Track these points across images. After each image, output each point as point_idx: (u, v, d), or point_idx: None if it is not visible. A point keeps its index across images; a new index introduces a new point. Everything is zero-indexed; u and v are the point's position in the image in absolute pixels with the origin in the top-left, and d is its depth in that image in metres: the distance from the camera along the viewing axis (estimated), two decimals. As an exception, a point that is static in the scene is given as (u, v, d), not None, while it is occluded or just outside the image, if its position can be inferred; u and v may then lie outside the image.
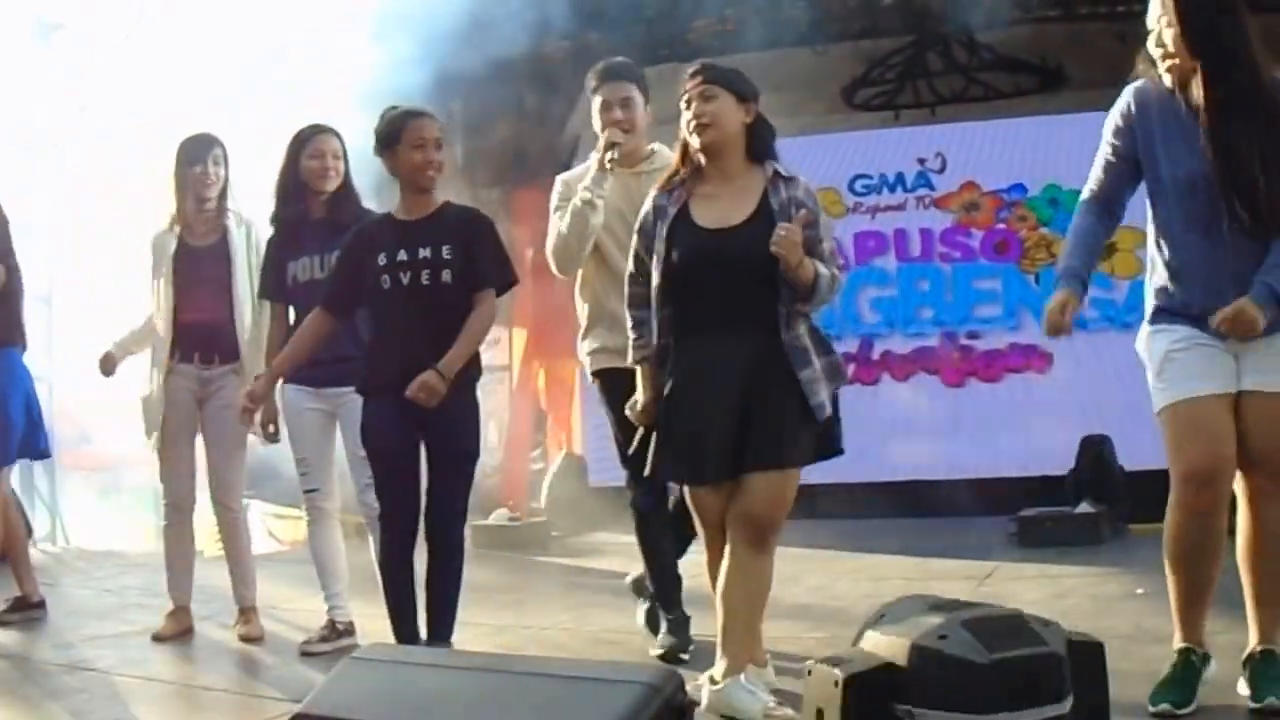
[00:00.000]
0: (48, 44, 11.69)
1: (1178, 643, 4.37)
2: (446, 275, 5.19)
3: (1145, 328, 4.49)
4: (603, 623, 5.26)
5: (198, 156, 6.49)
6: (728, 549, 4.59)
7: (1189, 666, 4.32)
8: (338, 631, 6.02)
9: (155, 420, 6.51)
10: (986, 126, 11.16)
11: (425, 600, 5.27)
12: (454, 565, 5.30)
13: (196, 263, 6.47)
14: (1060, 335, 4.49)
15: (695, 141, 4.68)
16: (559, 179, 5.72)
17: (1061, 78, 10.95)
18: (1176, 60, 4.25)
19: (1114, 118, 4.47)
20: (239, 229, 6.54)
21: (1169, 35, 4.26)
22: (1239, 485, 4.37)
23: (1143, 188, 4.45)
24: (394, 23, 10.69)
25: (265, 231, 6.38)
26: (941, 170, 11.21)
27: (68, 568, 9.53)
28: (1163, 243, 4.41)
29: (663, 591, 5.59)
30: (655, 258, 4.70)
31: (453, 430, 5.25)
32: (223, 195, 6.56)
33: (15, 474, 10.75)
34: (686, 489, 4.78)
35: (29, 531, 9.82)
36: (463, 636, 5.69)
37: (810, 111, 10.87)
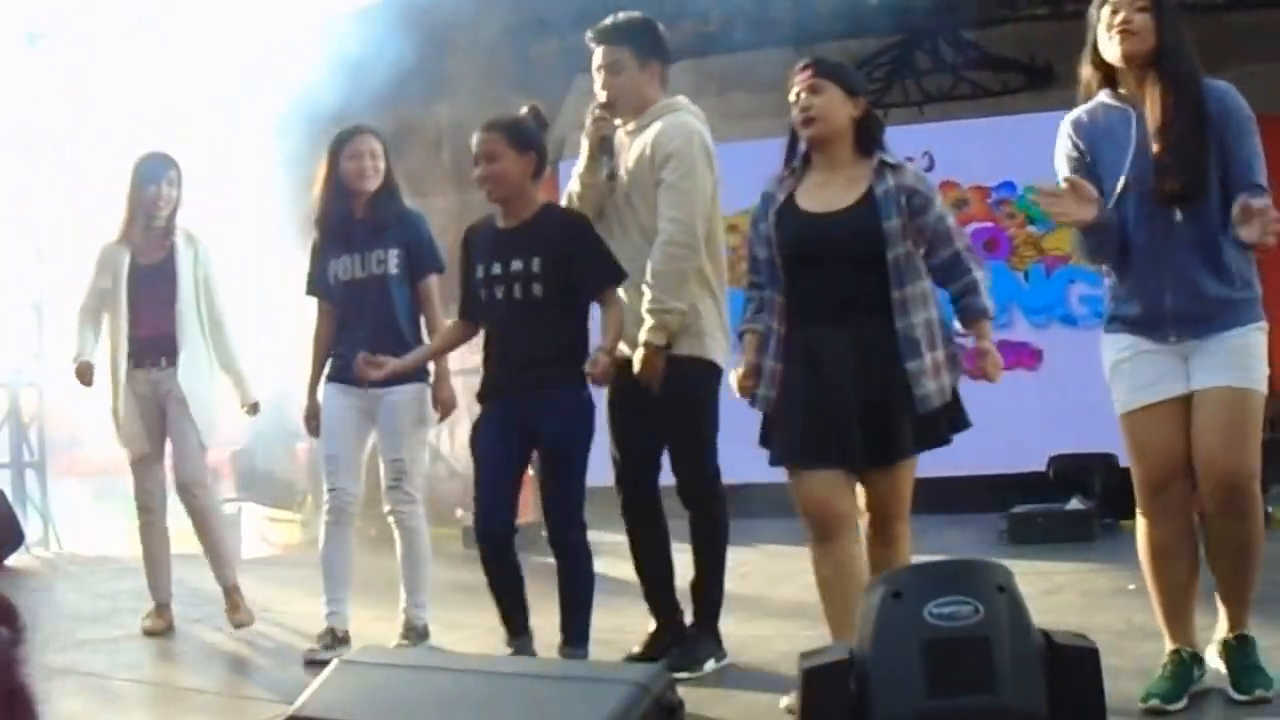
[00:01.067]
0: (39, 47, 11.70)
1: (1169, 646, 4.41)
2: (538, 289, 5.18)
3: (1103, 338, 4.59)
4: (594, 622, 5.25)
5: (153, 177, 6.68)
6: (867, 544, 4.67)
7: (1180, 665, 4.37)
8: (337, 639, 5.98)
9: (129, 430, 6.70)
10: (974, 125, 11.18)
11: (560, 606, 5.28)
12: (578, 567, 5.31)
13: (146, 281, 6.66)
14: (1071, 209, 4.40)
15: (804, 134, 4.69)
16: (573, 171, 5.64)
17: (1049, 75, 10.96)
18: (1130, 25, 4.31)
19: (1062, 142, 4.59)
20: (187, 248, 6.74)
21: (1140, 22, 4.30)
22: (1204, 497, 4.39)
23: None
24: (380, 25, 10.71)
25: (221, 248, 6.73)
26: (930, 169, 11.18)
27: (60, 572, 9.52)
28: (1115, 263, 4.49)
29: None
30: (766, 243, 4.74)
31: (567, 430, 5.23)
32: (172, 215, 6.75)
33: (6, 480, 10.81)
34: (794, 478, 4.67)
35: (21, 538, 9.82)
36: (454, 638, 5.71)
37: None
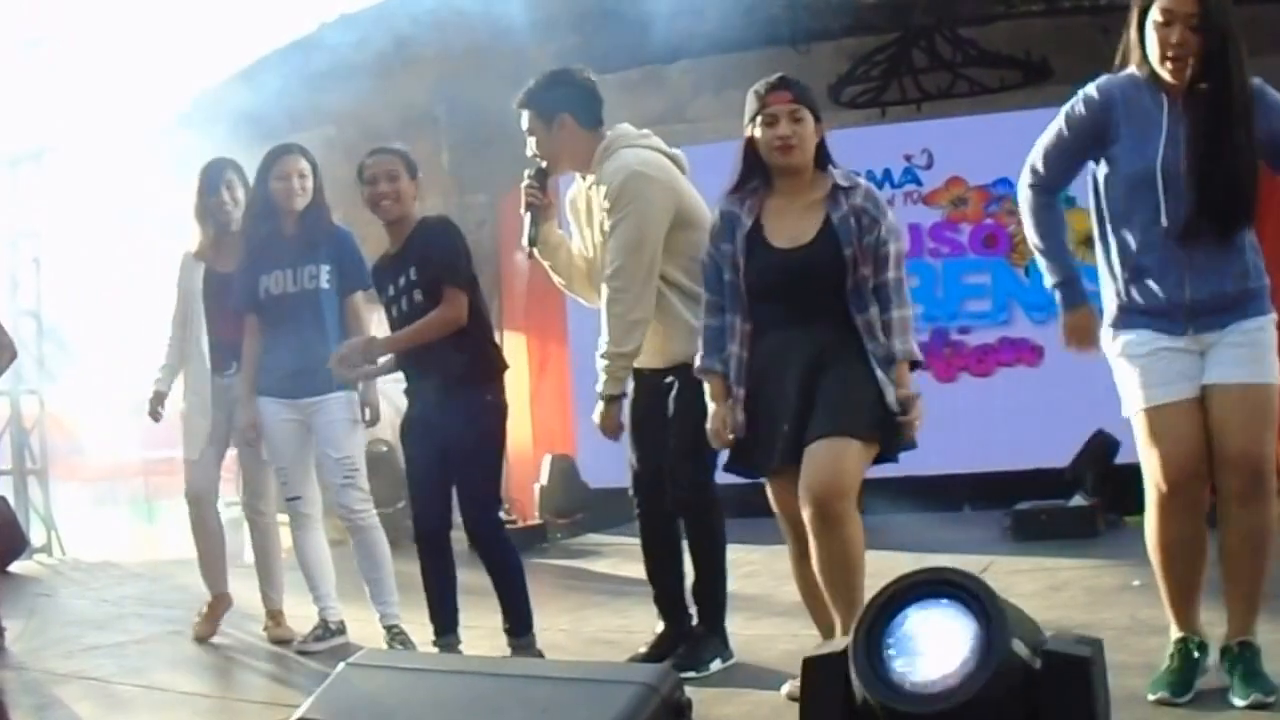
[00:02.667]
0: (32, 57, 11.72)
1: (1175, 634, 4.41)
2: (418, 296, 5.49)
3: (1106, 330, 4.50)
4: (601, 623, 5.27)
5: (214, 185, 6.67)
6: (811, 537, 4.56)
7: (1186, 656, 4.36)
8: (330, 630, 6.26)
9: (196, 433, 6.70)
10: (972, 121, 11.14)
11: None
12: (502, 560, 5.53)
13: (223, 289, 6.62)
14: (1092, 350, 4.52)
15: (778, 160, 4.68)
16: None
17: (1046, 71, 10.95)
18: (1184, 50, 4.18)
19: (1077, 107, 4.44)
20: None
21: (1193, 44, 4.17)
22: (1220, 487, 4.37)
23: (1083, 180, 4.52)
24: (378, 31, 10.72)
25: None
26: (928, 166, 11.21)
27: (64, 578, 9.52)
28: (1116, 240, 4.42)
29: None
30: (732, 268, 4.72)
31: (460, 431, 5.43)
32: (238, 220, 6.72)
33: (8, 486, 10.82)
34: (773, 484, 4.72)
35: (25, 544, 9.82)
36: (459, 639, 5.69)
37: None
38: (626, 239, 5.23)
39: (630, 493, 5.56)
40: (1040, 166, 4.53)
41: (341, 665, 3.70)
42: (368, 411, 6.28)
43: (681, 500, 5.33)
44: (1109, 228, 4.45)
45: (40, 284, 11.67)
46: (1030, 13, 10.98)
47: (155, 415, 6.79)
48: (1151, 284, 4.32)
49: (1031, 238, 4.64)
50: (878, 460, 4.65)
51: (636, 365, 5.34)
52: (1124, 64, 4.42)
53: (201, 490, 6.76)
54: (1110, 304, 4.46)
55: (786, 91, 4.68)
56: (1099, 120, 4.38)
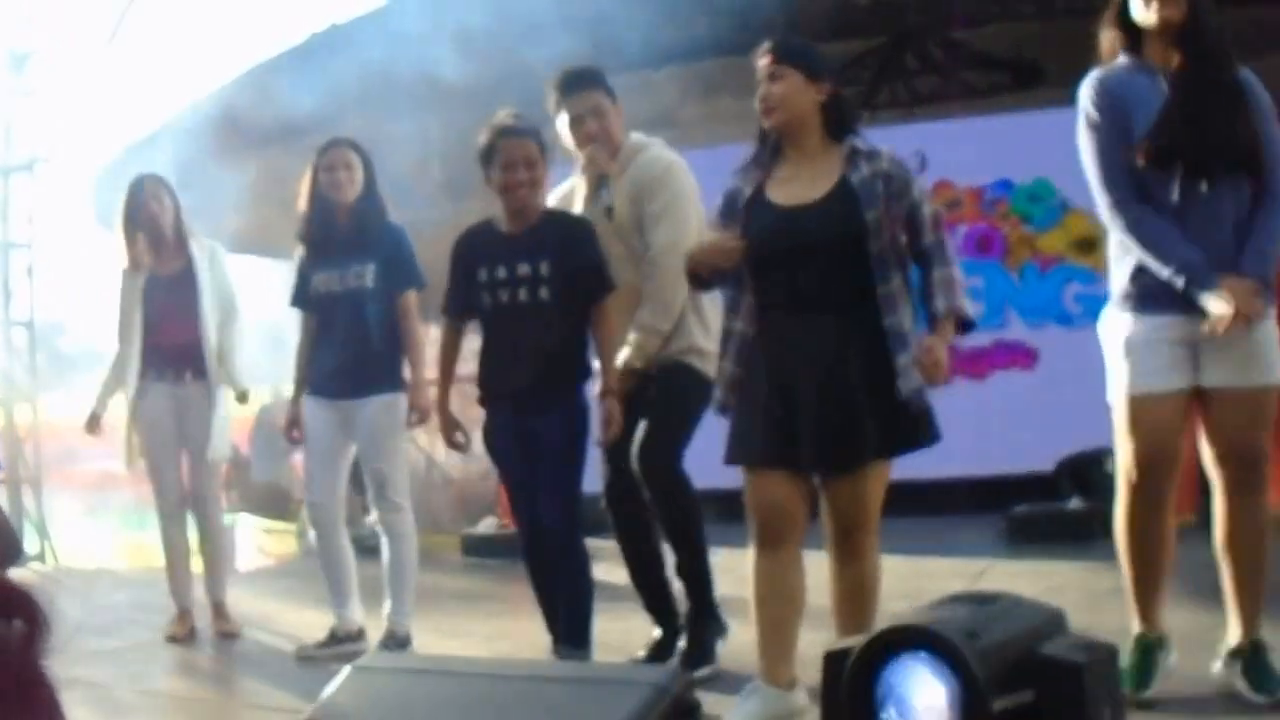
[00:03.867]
0: (23, 70, 11.74)
1: (1135, 629, 4.45)
2: (544, 292, 5.22)
3: (1110, 310, 4.48)
4: (599, 627, 5.25)
5: (138, 194, 6.83)
6: (831, 560, 4.53)
7: (1145, 651, 4.42)
8: (337, 638, 6.18)
9: (136, 443, 6.82)
10: (965, 124, 11.14)
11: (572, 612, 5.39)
12: (580, 572, 5.38)
13: (166, 291, 6.77)
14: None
15: (765, 123, 4.53)
16: (549, 199, 5.57)
17: (1038, 74, 10.97)
18: (1174, 20, 4.20)
19: (1092, 111, 4.38)
20: (203, 257, 6.85)
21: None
22: (1215, 478, 4.42)
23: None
24: (362, 28, 10.73)
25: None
26: (921, 169, 11.20)
27: (60, 586, 9.50)
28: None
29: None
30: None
31: (566, 435, 5.29)
32: (177, 224, 6.86)
33: (2, 494, 10.83)
34: (747, 478, 4.53)
35: (20, 552, 9.82)
36: (455, 646, 5.70)
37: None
38: (680, 216, 5.30)
39: (603, 504, 5.54)
40: (1110, 185, 4.39)
41: (348, 668, 3.69)
42: (414, 415, 6.15)
43: (652, 479, 5.30)
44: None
45: (33, 294, 11.70)
46: (1022, 15, 11.00)
47: (93, 430, 6.92)
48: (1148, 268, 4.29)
49: (1156, 260, 4.30)
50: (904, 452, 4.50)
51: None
52: (1110, 58, 4.43)
53: (170, 504, 6.86)
54: (1117, 286, 4.45)
55: (768, 53, 4.52)
56: (1117, 108, 4.32)
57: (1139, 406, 4.35)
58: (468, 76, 10.32)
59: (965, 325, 4.50)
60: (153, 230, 6.77)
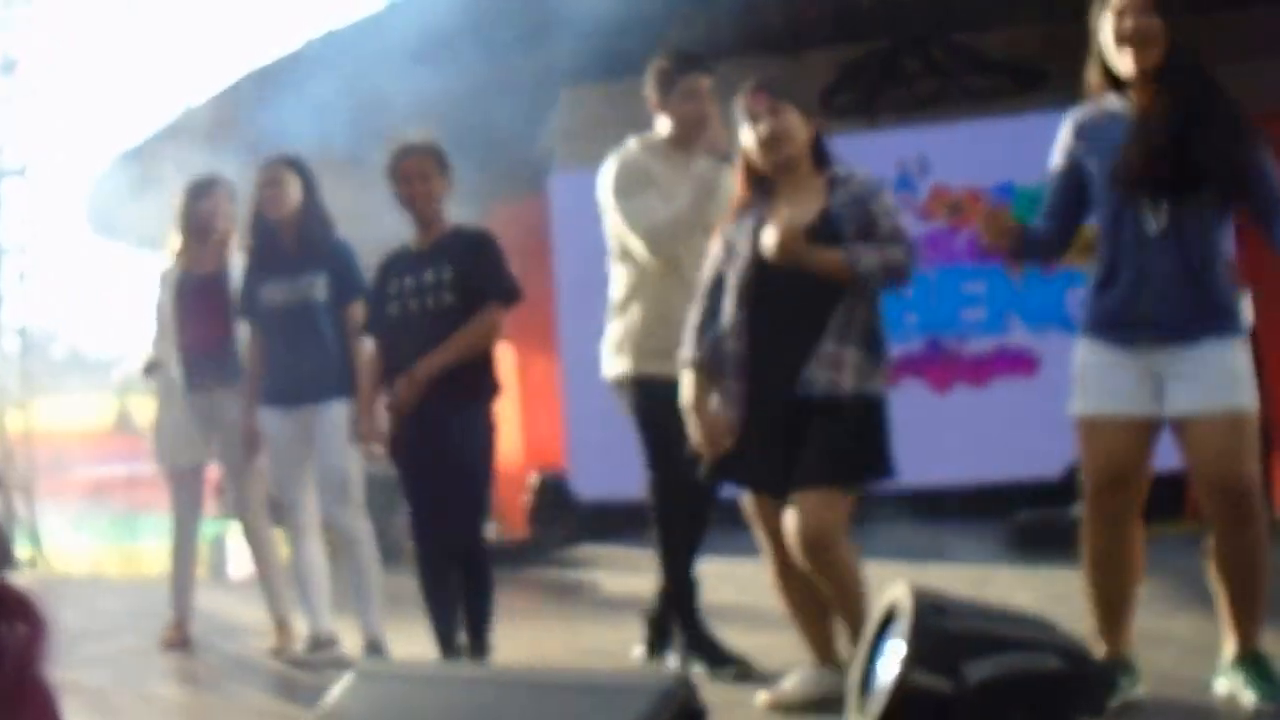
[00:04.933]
0: (12, 75, 11.76)
1: (1102, 653, 4.42)
2: (448, 298, 5.36)
3: (1079, 336, 4.54)
4: (595, 636, 5.23)
5: (203, 192, 6.78)
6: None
7: None
8: (322, 642, 6.19)
9: (164, 444, 6.82)
10: (966, 128, 11.12)
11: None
12: (478, 578, 5.42)
13: (197, 292, 6.72)
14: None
15: (768, 158, 4.67)
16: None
17: (1039, 78, 10.93)
18: (1141, 34, 4.21)
19: (1058, 146, 4.52)
20: (239, 262, 6.71)
21: (1150, 27, 4.20)
22: (1208, 512, 4.35)
23: None
24: (358, 34, 10.71)
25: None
26: (923, 173, 11.17)
27: (53, 592, 9.54)
28: (1097, 255, 4.46)
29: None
30: (734, 262, 4.70)
31: (454, 445, 5.35)
32: (227, 228, 6.78)
33: (-4, 501, 10.83)
34: (746, 498, 4.75)
35: (11, 559, 9.78)
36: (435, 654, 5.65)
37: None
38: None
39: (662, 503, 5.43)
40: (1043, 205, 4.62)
41: (349, 673, 3.66)
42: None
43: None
44: (1097, 239, 4.47)
45: (26, 299, 11.71)
46: (1024, 19, 10.98)
47: (126, 429, 6.85)
48: (1112, 293, 4.35)
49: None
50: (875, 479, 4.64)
51: (657, 372, 5.26)
52: (1094, 95, 4.49)
53: (187, 513, 6.84)
54: (1083, 309, 4.52)
55: (761, 91, 4.69)
56: (1071, 146, 4.46)
57: (1090, 428, 4.41)
58: (452, 86, 10.33)
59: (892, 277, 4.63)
60: (203, 231, 6.75)
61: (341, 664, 5.78)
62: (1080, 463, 4.50)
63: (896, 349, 11.62)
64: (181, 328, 6.69)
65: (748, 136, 4.71)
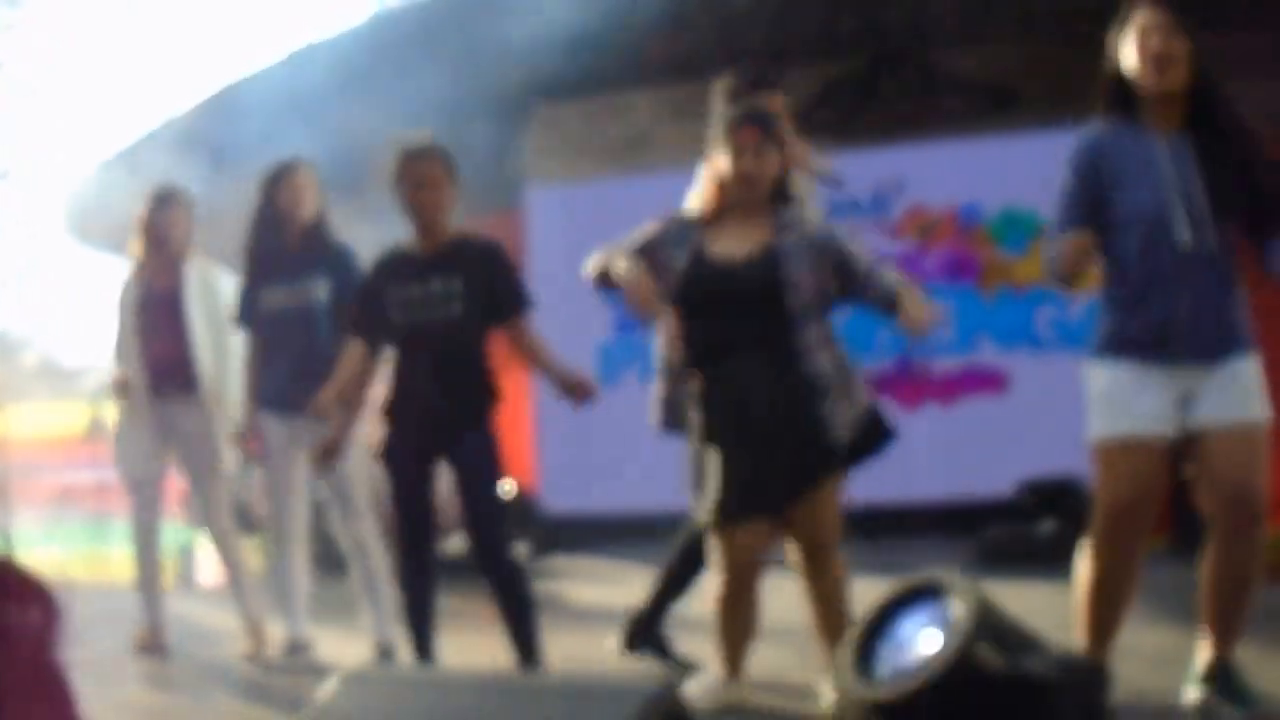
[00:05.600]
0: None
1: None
2: (458, 309, 5.26)
3: (1093, 356, 4.50)
4: (569, 646, 5.26)
5: (163, 203, 6.77)
6: (802, 578, 4.75)
7: None
8: (295, 648, 6.31)
9: (126, 453, 6.80)
10: (942, 148, 11.17)
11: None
12: (511, 590, 5.31)
13: (156, 306, 6.73)
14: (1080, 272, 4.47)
15: (738, 194, 4.75)
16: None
17: (1015, 98, 11.00)
18: (1167, 53, 4.26)
19: (1069, 174, 4.49)
20: (197, 276, 6.77)
21: (1178, 49, 4.27)
22: (1212, 520, 4.37)
23: None
24: (339, 48, 10.74)
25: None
26: (898, 192, 11.23)
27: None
28: (1117, 276, 4.44)
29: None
30: (667, 278, 4.75)
31: (474, 463, 5.32)
32: (185, 240, 6.80)
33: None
34: (721, 529, 4.75)
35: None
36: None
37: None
38: None
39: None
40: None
41: (341, 675, 3.68)
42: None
43: None
44: (1112, 267, 4.46)
45: (2, 306, 11.70)
46: (1001, 40, 11.04)
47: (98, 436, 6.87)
48: (1147, 313, 4.34)
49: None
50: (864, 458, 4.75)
51: None
52: (1105, 113, 4.51)
53: (149, 521, 6.83)
54: (1104, 333, 4.48)
55: (755, 127, 4.74)
56: (1095, 172, 4.43)
57: (1117, 449, 4.37)
58: (429, 99, 10.36)
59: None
60: (160, 241, 6.75)
61: (316, 669, 5.84)
62: (1101, 486, 4.43)
63: (867, 367, 11.73)
64: (143, 341, 6.71)
65: (726, 164, 4.74)
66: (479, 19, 10.52)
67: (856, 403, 4.70)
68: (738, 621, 4.85)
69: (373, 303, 5.37)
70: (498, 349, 5.39)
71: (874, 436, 4.76)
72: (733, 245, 4.75)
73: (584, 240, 5.38)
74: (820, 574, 4.75)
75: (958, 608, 3.52)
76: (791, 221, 4.78)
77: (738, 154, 4.72)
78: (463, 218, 5.45)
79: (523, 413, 12.12)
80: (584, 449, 10.38)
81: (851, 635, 3.78)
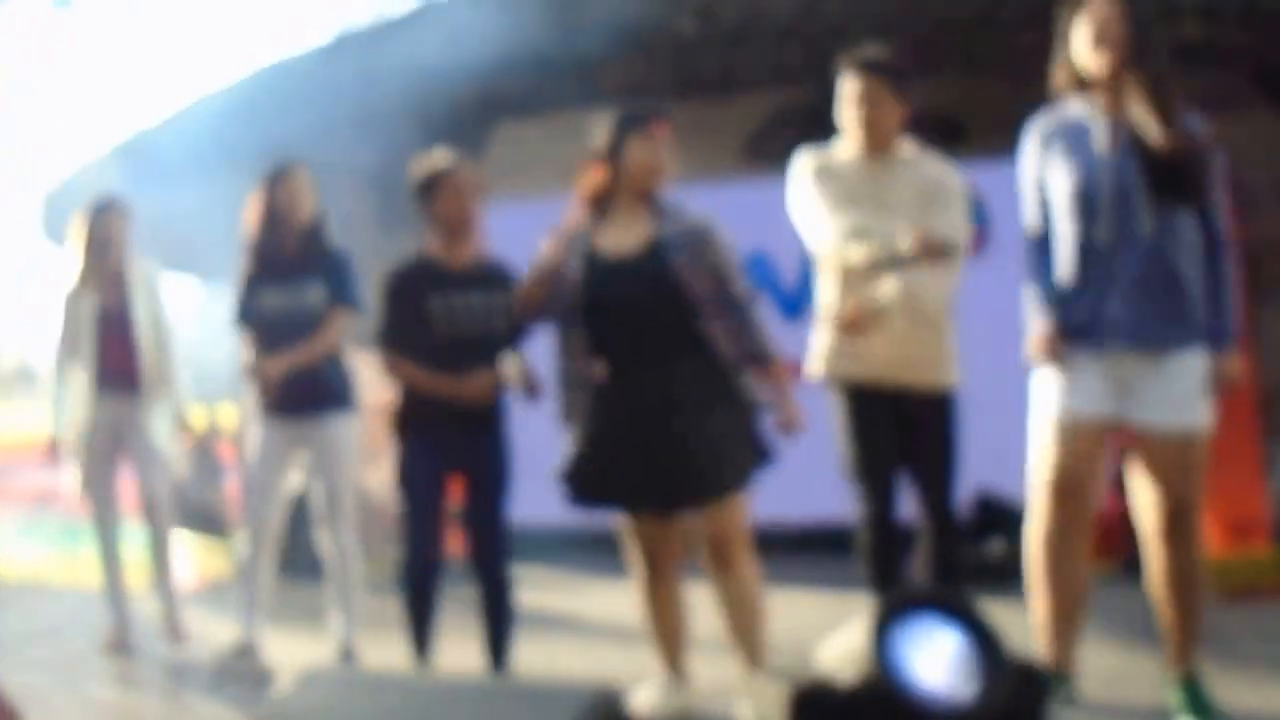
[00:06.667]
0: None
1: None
2: (500, 324, 5.53)
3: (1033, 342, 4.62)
4: (526, 654, 5.38)
5: (100, 218, 6.97)
6: (712, 577, 4.84)
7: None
8: (244, 651, 6.30)
9: (80, 452, 6.94)
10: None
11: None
12: (503, 596, 5.57)
13: (108, 322, 6.92)
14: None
15: (650, 184, 4.91)
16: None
17: (960, 130, 11.18)
18: (1111, 37, 4.46)
19: (1025, 158, 4.69)
20: (141, 284, 6.98)
21: (1121, 32, 4.45)
22: (1145, 524, 4.54)
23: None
24: (302, 66, 10.84)
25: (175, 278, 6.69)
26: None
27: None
28: (1062, 267, 4.58)
29: None
30: (571, 288, 4.90)
31: (489, 471, 5.57)
32: (123, 253, 6.98)
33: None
34: (626, 521, 4.97)
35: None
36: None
37: (715, 162, 11.11)
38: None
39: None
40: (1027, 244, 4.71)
41: (296, 677, 3.78)
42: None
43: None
44: (1049, 244, 4.64)
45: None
46: (945, 73, 11.21)
47: (54, 457, 6.98)
48: (1081, 297, 4.50)
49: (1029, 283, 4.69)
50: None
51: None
52: (1058, 96, 4.69)
53: (108, 519, 7.00)
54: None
55: (668, 122, 4.94)
56: (1039, 161, 4.64)
57: (1060, 426, 4.51)
58: (392, 115, 10.48)
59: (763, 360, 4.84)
60: (102, 257, 6.92)
61: (266, 673, 6.05)
62: (1044, 465, 4.55)
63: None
64: (99, 351, 6.87)
65: (638, 153, 4.91)
66: (443, 38, 10.66)
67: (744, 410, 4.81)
68: (661, 615, 5.00)
69: (408, 318, 5.52)
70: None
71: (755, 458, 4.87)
72: (622, 238, 4.91)
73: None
74: (723, 574, 4.84)
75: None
76: (669, 212, 4.92)
77: (654, 147, 4.90)
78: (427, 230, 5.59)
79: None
80: (545, 461, 10.47)
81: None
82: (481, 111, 11.80)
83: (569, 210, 5.06)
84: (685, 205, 5.03)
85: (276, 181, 6.38)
